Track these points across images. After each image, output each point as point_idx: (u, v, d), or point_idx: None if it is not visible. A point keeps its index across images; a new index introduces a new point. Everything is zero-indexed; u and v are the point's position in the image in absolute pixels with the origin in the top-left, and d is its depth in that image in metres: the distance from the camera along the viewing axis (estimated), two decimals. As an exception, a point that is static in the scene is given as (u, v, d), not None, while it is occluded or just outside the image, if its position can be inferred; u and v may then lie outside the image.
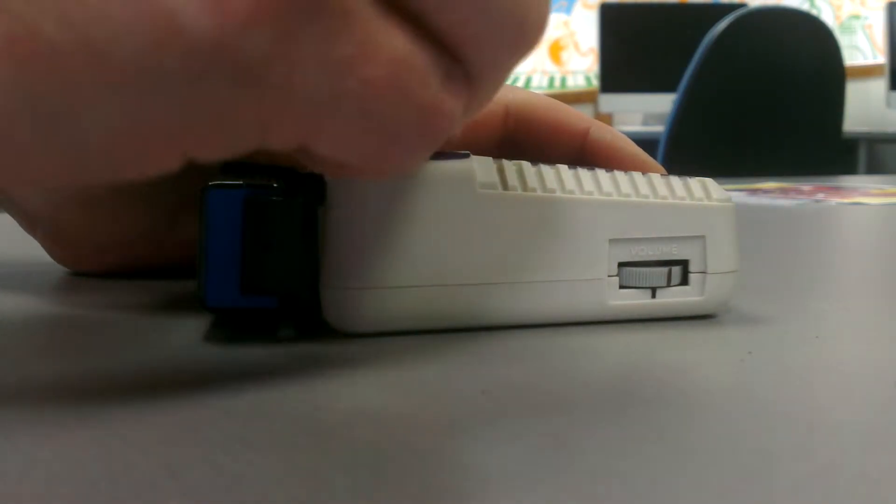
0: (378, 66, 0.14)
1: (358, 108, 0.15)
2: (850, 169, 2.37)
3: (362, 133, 0.15)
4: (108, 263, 0.33)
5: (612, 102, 2.55)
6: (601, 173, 0.25)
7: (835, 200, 0.72)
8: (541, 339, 0.24)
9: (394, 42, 0.14)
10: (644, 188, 0.25)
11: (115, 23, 0.12)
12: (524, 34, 0.16)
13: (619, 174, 0.25)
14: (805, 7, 2.70)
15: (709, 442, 0.16)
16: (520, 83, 3.02)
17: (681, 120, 1.68)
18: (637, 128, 2.52)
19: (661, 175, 0.26)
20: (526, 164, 0.24)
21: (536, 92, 0.32)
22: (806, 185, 0.88)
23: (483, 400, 0.19)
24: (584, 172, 0.25)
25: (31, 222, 0.33)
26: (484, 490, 0.14)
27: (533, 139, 0.30)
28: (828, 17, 2.77)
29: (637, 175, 0.25)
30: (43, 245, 0.34)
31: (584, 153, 0.30)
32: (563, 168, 0.25)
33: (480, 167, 0.23)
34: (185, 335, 0.24)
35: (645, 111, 2.60)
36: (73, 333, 0.25)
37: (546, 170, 0.24)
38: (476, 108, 0.17)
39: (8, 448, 0.16)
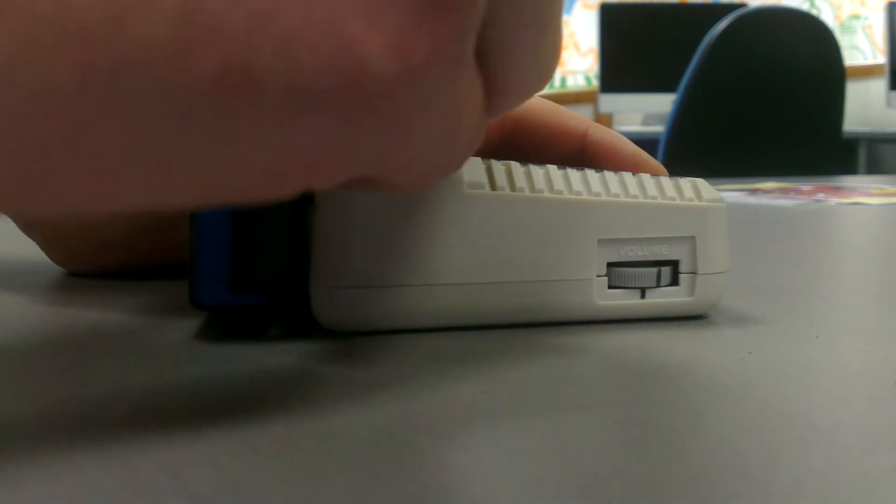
0: (467, 111, 0.16)
1: (446, 142, 0.16)
2: (850, 169, 2.37)
3: (434, 163, 0.16)
4: (105, 264, 0.33)
5: (612, 102, 2.55)
6: (590, 173, 0.25)
7: (835, 200, 0.72)
8: (539, 339, 0.24)
9: (475, 89, 0.16)
10: (633, 188, 0.25)
11: (317, 61, 0.13)
12: (547, 77, 0.18)
13: (608, 174, 0.25)
14: (805, 7, 2.70)
15: (709, 442, 0.16)
16: (520, 83, 3.01)
17: (681, 120, 1.68)
18: (637, 128, 2.52)
19: (652, 176, 0.26)
20: (515, 165, 0.25)
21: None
22: (806, 185, 0.88)
23: (483, 400, 0.19)
24: (573, 173, 0.25)
25: (28, 224, 0.33)
26: (484, 490, 0.14)
27: (531, 143, 0.30)
28: (828, 17, 2.77)
29: (627, 175, 0.26)
30: (41, 246, 0.34)
31: (583, 155, 0.30)
32: (553, 168, 0.25)
33: (468, 167, 0.24)
34: (179, 334, 0.24)
35: (645, 111, 2.60)
36: (70, 333, 0.25)
37: (535, 170, 0.25)
38: None
39: (8, 450, 0.16)
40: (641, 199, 0.25)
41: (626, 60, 2.49)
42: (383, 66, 0.13)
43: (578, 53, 3.13)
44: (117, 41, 0.11)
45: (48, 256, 0.35)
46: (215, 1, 0.12)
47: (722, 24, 1.67)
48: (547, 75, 0.17)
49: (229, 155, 0.13)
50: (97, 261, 0.33)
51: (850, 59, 2.55)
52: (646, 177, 0.26)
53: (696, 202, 0.26)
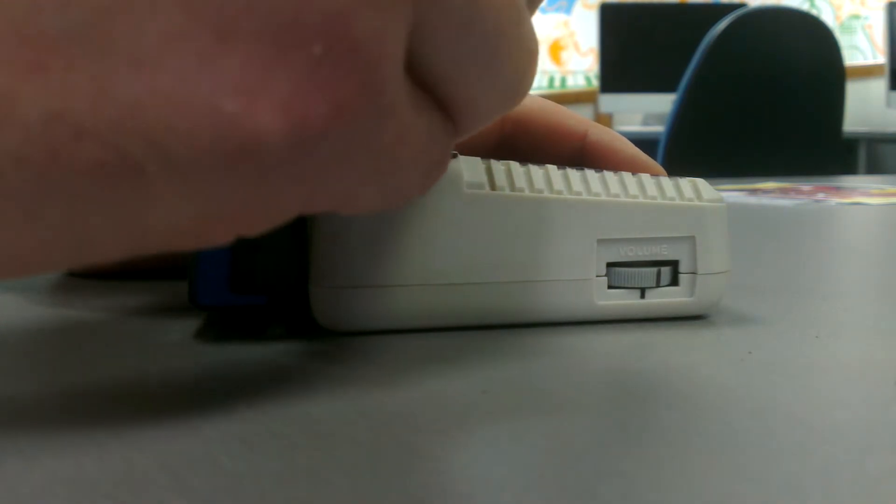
0: (408, 146, 0.15)
1: (384, 180, 0.16)
2: (850, 169, 2.37)
3: (380, 195, 0.16)
4: (105, 264, 0.33)
5: (612, 102, 2.55)
6: (590, 174, 0.25)
7: (835, 200, 0.72)
8: (539, 339, 0.24)
9: (421, 124, 0.16)
10: (633, 188, 0.25)
11: (197, 140, 0.13)
12: (517, 97, 0.17)
13: (608, 174, 0.25)
14: (805, 7, 2.70)
15: (709, 442, 0.16)
16: (520, 83, 3.01)
17: (681, 120, 1.68)
18: (637, 128, 2.52)
19: (652, 176, 0.26)
20: (514, 165, 0.25)
21: (533, 95, 0.32)
22: (806, 185, 0.88)
23: (483, 400, 0.19)
24: (573, 173, 0.25)
25: None
26: (483, 490, 0.14)
27: (531, 143, 0.30)
28: (828, 17, 2.77)
29: (626, 175, 0.26)
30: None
31: (583, 156, 0.30)
32: (552, 168, 0.25)
33: (468, 167, 0.24)
34: (179, 334, 0.24)
35: (645, 111, 2.60)
36: (70, 333, 0.25)
37: (535, 170, 0.25)
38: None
39: (7, 449, 0.16)
40: (641, 199, 0.25)
41: (626, 60, 2.48)
42: (276, 136, 0.13)
43: (578, 53, 3.13)
44: None
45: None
46: (81, 102, 0.12)
47: (722, 24, 1.67)
48: (514, 90, 0.17)
49: (140, 222, 0.13)
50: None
51: (850, 59, 2.54)
52: (645, 177, 0.26)
53: (696, 202, 0.26)
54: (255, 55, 0.12)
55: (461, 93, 0.16)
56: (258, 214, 0.15)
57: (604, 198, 0.25)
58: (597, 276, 0.25)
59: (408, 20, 0.14)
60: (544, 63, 3.08)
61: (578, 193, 0.24)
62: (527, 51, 0.16)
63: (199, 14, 0.12)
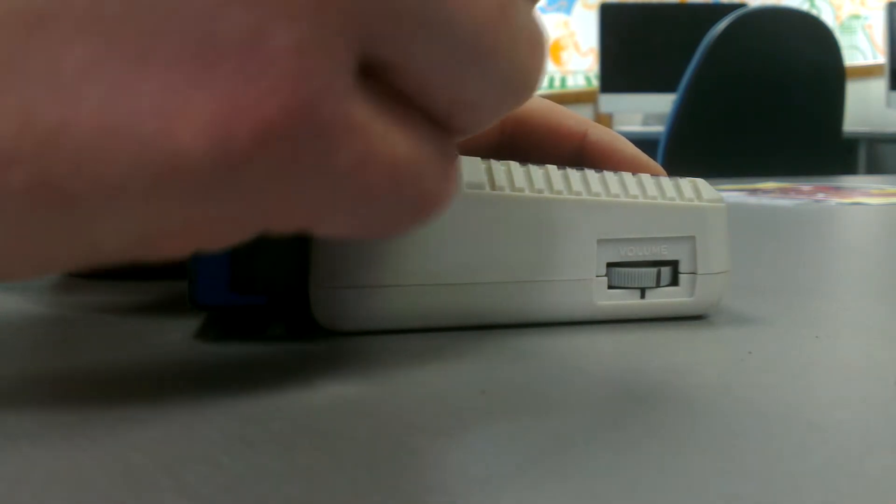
0: (377, 170, 0.14)
1: (357, 206, 0.15)
2: (850, 169, 2.37)
3: (359, 222, 0.15)
4: (105, 264, 0.33)
5: (612, 102, 2.55)
6: (590, 174, 0.25)
7: (835, 200, 0.72)
8: (538, 339, 0.24)
9: (397, 146, 0.14)
10: (633, 188, 0.25)
11: (122, 165, 0.13)
12: (526, 90, 0.16)
13: (608, 174, 0.25)
14: (805, 7, 2.70)
15: (709, 442, 0.16)
16: (520, 83, 3.01)
17: (681, 120, 1.68)
18: (637, 128, 2.52)
19: (652, 176, 0.26)
20: (514, 165, 0.25)
21: (534, 95, 0.32)
22: (806, 185, 0.88)
23: (482, 400, 0.19)
24: (573, 173, 0.25)
25: None
26: (483, 490, 0.14)
27: (531, 143, 0.30)
28: (828, 17, 2.77)
29: (626, 175, 0.26)
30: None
31: (582, 156, 0.30)
32: (552, 168, 0.25)
33: (468, 167, 0.24)
34: (179, 334, 0.24)
35: (645, 111, 2.60)
36: (69, 333, 0.25)
37: (535, 170, 0.25)
38: None
39: (7, 449, 0.16)
40: (641, 200, 0.25)
41: (626, 60, 2.49)
42: (198, 157, 0.13)
43: (578, 53, 3.13)
44: None
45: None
46: (7, 128, 0.12)
47: (722, 24, 1.67)
48: (517, 84, 0.16)
49: (86, 240, 0.13)
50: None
51: (850, 59, 2.54)
52: (645, 177, 0.26)
53: (696, 202, 0.26)
54: (175, 76, 0.12)
55: (457, 97, 0.15)
56: (211, 232, 0.14)
57: (604, 198, 0.25)
58: (597, 276, 0.25)
59: (347, 28, 0.13)
60: (544, 63, 3.08)
61: (579, 193, 0.24)
62: (528, 39, 0.15)
63: (117, 38, 0.12)
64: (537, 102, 0.31)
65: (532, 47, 0.15)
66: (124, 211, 0.13)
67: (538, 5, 0.17)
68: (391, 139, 0.14)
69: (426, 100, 0.15)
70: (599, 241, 0.25)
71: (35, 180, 0.12)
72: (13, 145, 0.12)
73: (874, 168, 2.51)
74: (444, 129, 0.16)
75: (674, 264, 0.26)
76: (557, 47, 3.11)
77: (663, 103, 2.10)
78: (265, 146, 0.13)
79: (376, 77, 0.14)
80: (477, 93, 0.15)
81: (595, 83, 2.78)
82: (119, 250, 0.14)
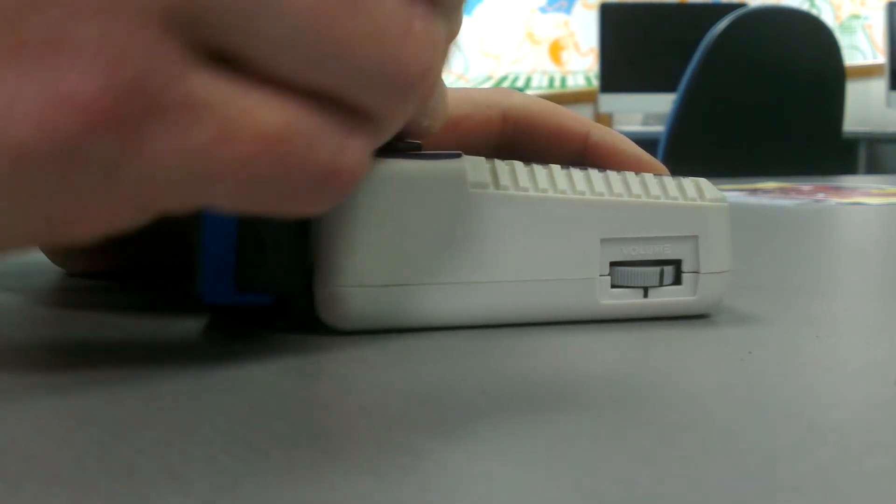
0: (244, 144, 0.15)
1: (235, 180, 0.15)
2: (850, 169, 2.37)
3: (255, 196, 0.15)
4: (105, 264, 0.33)
5: (612, 102, 2.55)
6: (593, 173, 0.25)
7: (835, 200, 0.72)
8: (541, 338, 0.24)
9: (263, 118, 0.15)
10: (636, 188, 0.25)
11: None
12: (402, 78, 0.16)
13: (611, 174, 0.25)
14: (805, 7, 2.70)
15: (709, 442, 0.16)
16: (520, 83, 3.02)
17: (681, 120, 1.68)
18: (637, 128, 2.52)
19: (655, 175, 0.26)
20: (518, 164, 0.25)
21: (534, 95, 0.32)
22: (806, 185, 0.88)
23: (483, 400, 0.19)
24: (576, 172, 0.25)
25: None
26: (483, 490, 0.14)
27: (532, 144, 0.30)
28: (828, 17, 2.77)
29: (629, 175, 0.26)
30: (41, 247, 0.34)
31: (585, 156, 0.30)
32: (556, 168, 0.25)
33: (472, 167, 0.24)
34: (182, 333, 0.24)
35: (645, 111, 2.60)
36: (71, 334, 0.25)
37: (538, 170, 0.25)
38: (384, 139, 0.17)
39: (7, 449, 0.16)
40: (644, 199, 0.25)
41: (626, 60, 2.48)
42: (34, 147, 0.13)
43: (578, 53, 3.12)
44: None
45: (48, 257, 0.35)
46: None
47: (722, 24, 1.67)
48: (396, 74, 0.15)
49: None
50: (97, 261, 0.33)
51: (850, 59, 2.54)
52: (649, 176, 0.26)
53: (699, 202, 0.26)
54: (4, 71, 0.13)
55: (314, 79, 0.15)
56: (86, 217, 0.15)
57: (607, 197, 0.25)
58: (600, 276, 0.25)
59: (162, 19, 0.13)
60: (544, 63, 3.08)
61: (582, 193, 0.24)
62: (388, 31, 0.15)
63: None
64: (539, 103, 0.31)
65: (403, 39, 0.15)
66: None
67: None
68: (259, 114, 0.15)
69: (286, 77, 0.15)
70: (603, 241, 0.25)
71: None
72: None
73: (874, 168, 2.51)
74: (334, 106, 0.15)
75: (676, 263, 0.26)
76: (557, 47, 3.11)
77: (663, 103, 2.10)
78: (95, 132, 0.13)
79: (220, 57, 0.14)
80: (342, 80, 0.15)
81: (595, 83, 2.78)
82: (19, 239, 0.15)
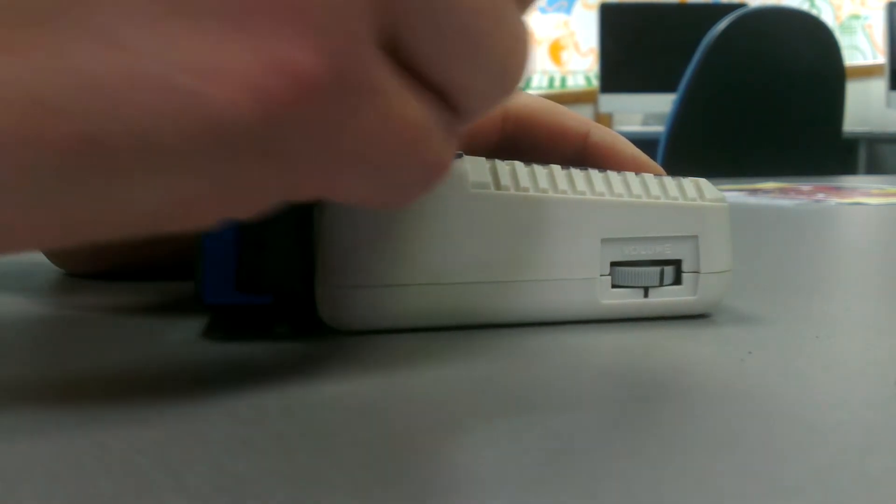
0: (395, 133, 0.15)
1: (375, 168, 0.15)
2: (850, 169, 2.37)
3: (375, 186, 0.16)
4: (105, 264, 0.33)
5: (612, 102, 2.55)
6: (594, 173, 0.25)
7: (835, 200, 0.72)
8: (540, 338, 0.24)
9: (410, 111, 0.15)
10: (637, 188, 0.25)
11: (161, 118, 0.13)
12: (510, 82, 0.17)
13: (611, 174, 0.25)
14: (805, 7, 2.70)
15: (709, 441, 0.16)
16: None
17: (681, 120, 1.68)
18: (637, 128, 2.52)
19: (655, 175, 0.26)
20: (519, 165, 0.25)
21: (535, 95, 0.32)
22: (806, 185, 0.88)
23: (484, 399, 0.19)
24: (576, 172, 0.25)
25: None
26: (483, 490, 0.14)
27: (532, 143, 0.30)
28: (828, 17, 2.77)
29: (630, 175, 0.26)
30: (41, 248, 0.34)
31: (584, 156, 0.30)
32: (556, 168, 0.25)
33: (473, 167, 0.24)
34: (183, 333, 0.24)
35: (645, 111, 2.60)
36: (72, 334, 0.25)
37: (539, 170, 0.25)
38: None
39: (7, 449, 0.16)
40: (645, 199, 0.25)
41: (626, 60, 2.48)
42: (240, 114, 0.13)
43: (578, 53, 3.13)
44: None
45: (48, 257, 0.35)
46: (49, 80, 0.12)
47: (722, 24, 1.66)
48: (505, 75, 0.16)
49: (122, 203, 0.14)
50: (97, 261, 0.33)
51: (850, 59, 2.54)
52: (649, 177, 0.26)
53: (699, 202, 0.26)
54: (213, 31, 0.13)
55: (451, 78, 0.16)
56: (241, 197, 0.15)
57: (608, 197, 0.25)
58: (601, 276, 0.25)
59: (371, 1, 0.14)
60: (544, 63, 3.08)
61: (582, 193, 0.25)
62: (514, 34, 0.16)
63: None
64: (539, 102, 0.31)
65: (519, 41, 0.16)
66: (160, 169, 0.13)
67: (532, 8, 0.18)
68: (405, 104, 0.15)
69: (431, 76, 0.15)
70: (603, 241, 0.25)
71: (78, 132, 0.12)
72: (54, 94, 0.12)
73: (874, 168, 2.51)
74: (447, 104, 0.16)
75: (677, 263, 0.26)
76: (557, 47, 3.11)
77: (663, 103, 2.10)
78: (303, 105, 0.13)
79: (391, 50, 0.15)
80: (471, 77, 0.16)
81: (595, 83, 2.78)
82: (150, 215, 0.14)
